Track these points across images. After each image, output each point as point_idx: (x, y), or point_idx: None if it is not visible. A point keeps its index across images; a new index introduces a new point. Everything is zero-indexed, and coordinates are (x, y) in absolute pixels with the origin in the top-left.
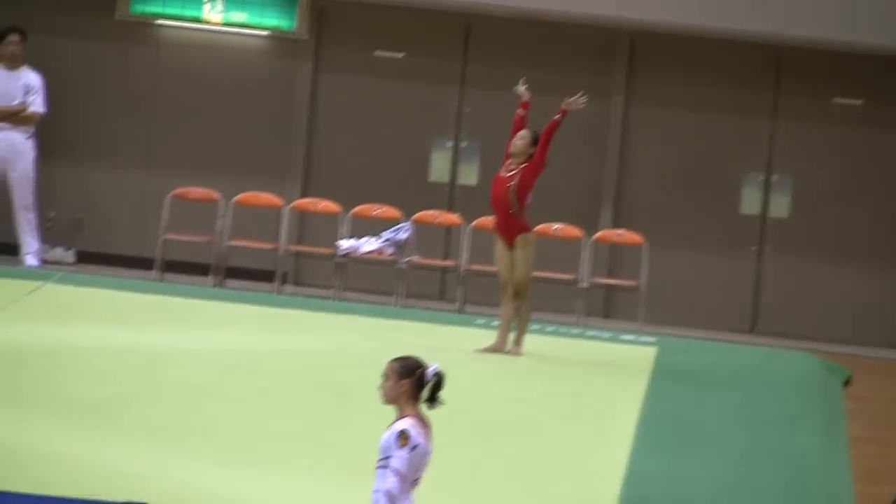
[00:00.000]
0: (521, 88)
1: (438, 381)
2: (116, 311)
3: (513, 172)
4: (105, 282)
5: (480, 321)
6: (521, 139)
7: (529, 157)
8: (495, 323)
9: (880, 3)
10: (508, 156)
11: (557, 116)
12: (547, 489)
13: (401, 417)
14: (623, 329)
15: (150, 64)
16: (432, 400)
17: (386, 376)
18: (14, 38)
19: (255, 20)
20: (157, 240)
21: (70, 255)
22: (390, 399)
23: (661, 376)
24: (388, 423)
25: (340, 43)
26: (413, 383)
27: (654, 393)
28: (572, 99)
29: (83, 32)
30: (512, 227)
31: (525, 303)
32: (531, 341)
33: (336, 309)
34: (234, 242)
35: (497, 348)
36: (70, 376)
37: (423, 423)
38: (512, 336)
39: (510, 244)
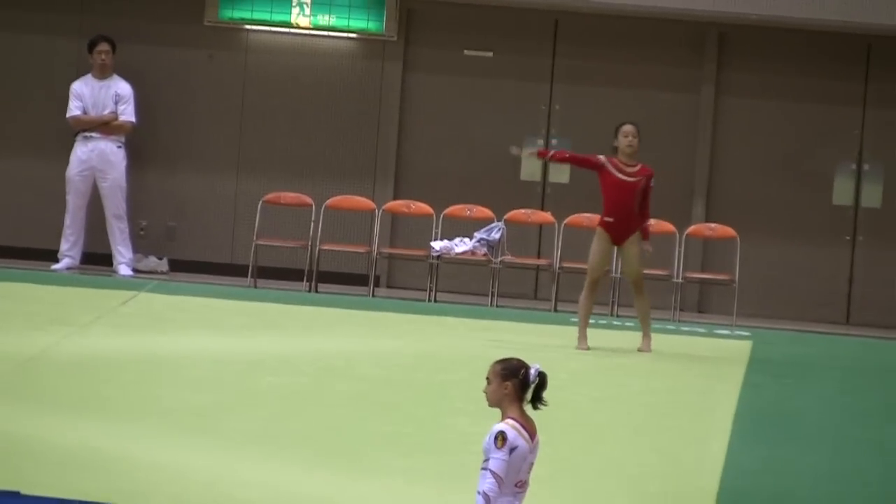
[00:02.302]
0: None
1: (541, 381)
2: (211, 318)
3: (636, 178)
4: (198, 290)
5: (574, 319)
6: (634, 136)
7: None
8: (591, 321)
9: None
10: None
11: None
12: (645, 485)
13: (503, 419)
14: (718, 323)
15: (239, 69)
16: (536, 400)
17: (489, 379)
18: (103, 47)
19: (344, 23)
20: (249, 246)
21: (163, 264)
22: (494, 402)
23: (757, 369)
24: (484, 423)
25: (429, 43)
26: (516, 385)
27: (750, 386)
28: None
29: (172, 39)
30: (633, 227)
31: (645, 297)
32: (626, 337)
33: (430, 310)
34: (326, 247)
35: (582, 347)
36: (166, 385)
37: (527, 424)
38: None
39: (621, 242)
